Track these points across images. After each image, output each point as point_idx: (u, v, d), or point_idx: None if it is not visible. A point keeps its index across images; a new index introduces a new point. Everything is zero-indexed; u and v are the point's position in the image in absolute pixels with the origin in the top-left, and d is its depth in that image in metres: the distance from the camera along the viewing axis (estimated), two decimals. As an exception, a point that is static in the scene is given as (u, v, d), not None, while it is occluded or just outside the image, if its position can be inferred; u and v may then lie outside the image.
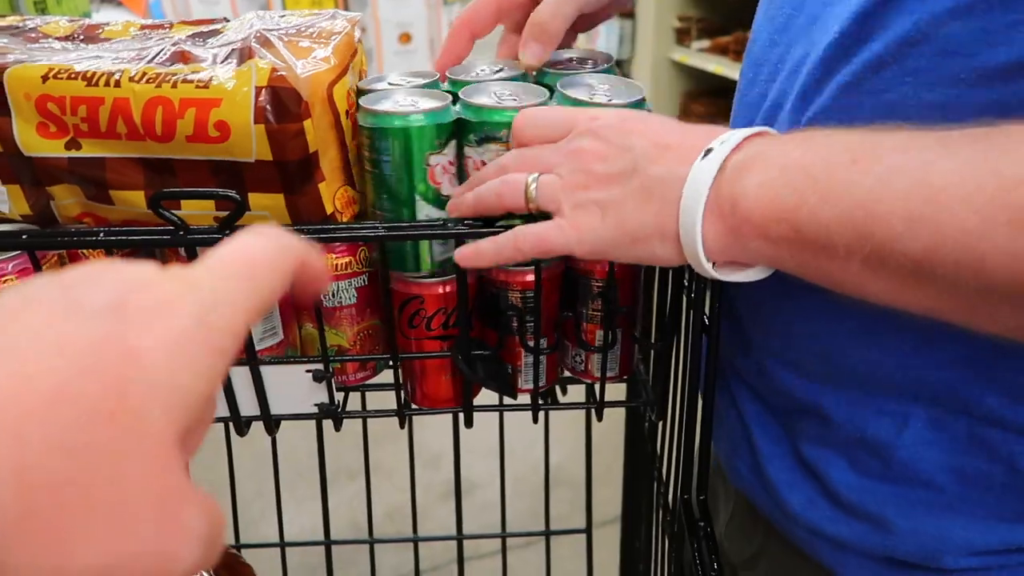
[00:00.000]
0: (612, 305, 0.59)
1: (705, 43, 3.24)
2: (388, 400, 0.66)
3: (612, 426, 0.80)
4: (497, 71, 0.61)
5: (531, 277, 0.59)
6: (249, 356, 0.58)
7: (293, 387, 0.61)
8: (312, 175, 0.55)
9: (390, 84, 0.60)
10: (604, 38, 4.51)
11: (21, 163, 0.57)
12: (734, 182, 0.41)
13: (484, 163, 0.53)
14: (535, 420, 0.66)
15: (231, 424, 0.63)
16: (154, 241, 0.53)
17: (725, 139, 0.43)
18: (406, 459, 0.84)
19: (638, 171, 0.44)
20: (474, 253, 0.51)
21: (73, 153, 0.56)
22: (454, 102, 0.55)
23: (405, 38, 6.53)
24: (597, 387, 0.64)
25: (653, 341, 0.64)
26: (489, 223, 0.51)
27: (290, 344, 0.64)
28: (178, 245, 0.53)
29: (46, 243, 0.54)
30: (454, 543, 0.89)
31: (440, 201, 0.55)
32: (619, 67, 0.63)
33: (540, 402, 0.65)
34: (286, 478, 0.85)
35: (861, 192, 0.37)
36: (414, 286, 0.58)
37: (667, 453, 0.65)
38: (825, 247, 0.39)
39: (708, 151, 0.43)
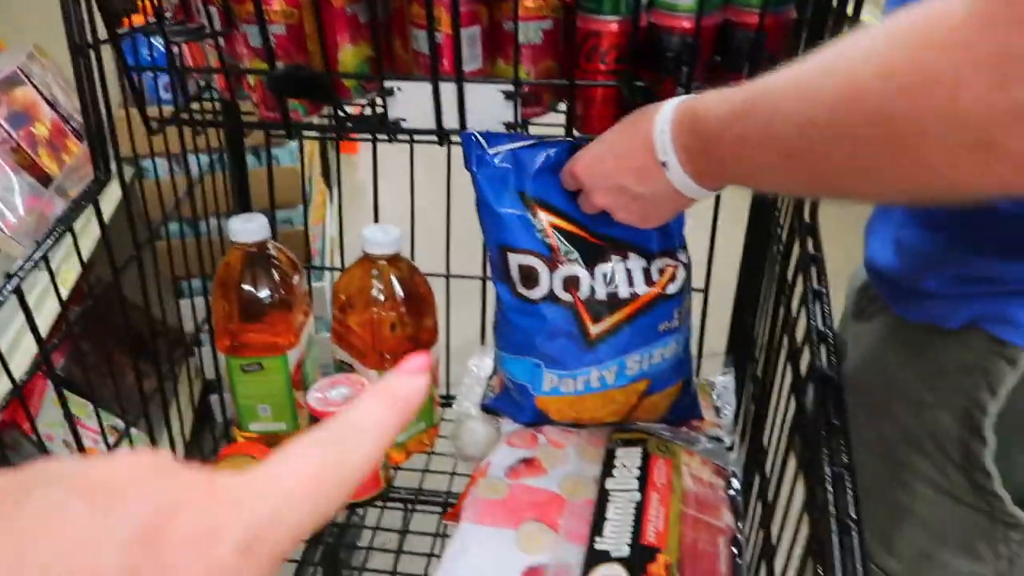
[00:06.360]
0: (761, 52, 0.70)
1: None
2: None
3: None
4: None
5: (689, 24, 0.70)
6: (458, 76, 0.73)
7: (487, 104, 0.76)
8: None
9: None
10: None
11: None
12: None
13: None
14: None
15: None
16: None
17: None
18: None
19: None
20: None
21: None
22: None
23: None
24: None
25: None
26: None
27: (484, 74, 0.78)
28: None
29: None
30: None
31: None
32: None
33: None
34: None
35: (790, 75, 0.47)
36: (594, 23, 0.70)
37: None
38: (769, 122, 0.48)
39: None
